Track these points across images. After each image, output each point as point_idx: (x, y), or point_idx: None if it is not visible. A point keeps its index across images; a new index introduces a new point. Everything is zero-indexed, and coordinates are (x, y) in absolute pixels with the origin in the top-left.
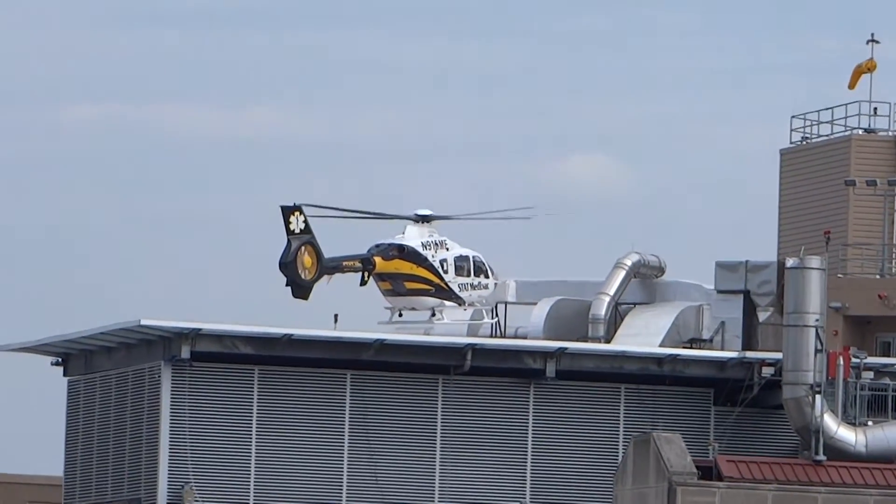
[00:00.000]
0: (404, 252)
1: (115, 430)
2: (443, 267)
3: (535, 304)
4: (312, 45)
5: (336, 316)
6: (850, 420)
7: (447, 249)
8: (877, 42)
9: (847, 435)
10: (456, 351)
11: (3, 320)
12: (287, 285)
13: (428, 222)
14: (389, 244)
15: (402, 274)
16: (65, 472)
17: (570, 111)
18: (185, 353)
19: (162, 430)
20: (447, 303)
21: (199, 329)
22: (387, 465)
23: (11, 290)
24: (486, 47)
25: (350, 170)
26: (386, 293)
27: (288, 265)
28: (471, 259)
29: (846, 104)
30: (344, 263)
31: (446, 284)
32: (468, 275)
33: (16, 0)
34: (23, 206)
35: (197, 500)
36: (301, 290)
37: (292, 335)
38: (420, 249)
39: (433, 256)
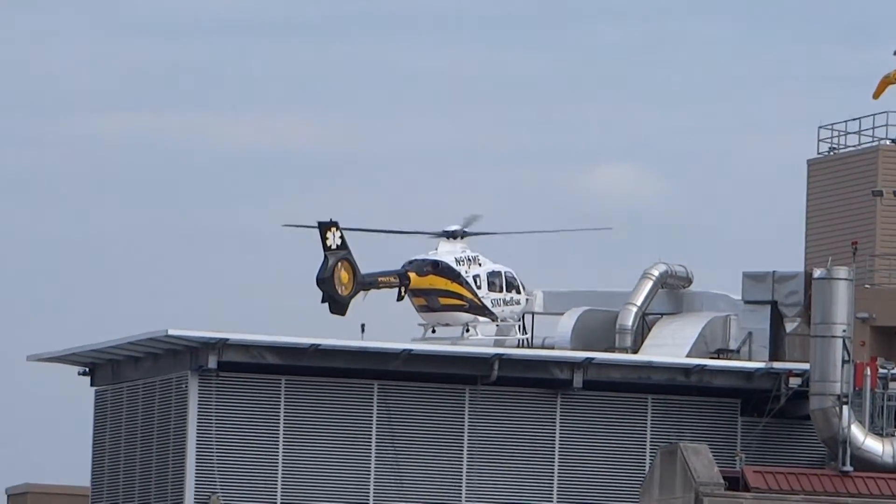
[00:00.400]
0: (439, 268)
1: (142, 440)
2: (476, 282)
3: (563, 314)
4: (339, 55)
5: (363, 326)
6: (877, 431)
7: (480, 265)
8: None
9: (874, 445)
10: (483, 361)
11: (30, 330)
12: (324, 301)
13: (461, 238)
14: (424, 260)
15: (436, 290)
16: (92, 482)
17: (598, 121)
18: (212, 363)
19: (189, 440)
20: (480, 318)
21: (226, 339)
22: (414, 475)
23: (39, 300)
24: (516, 57)
25: (378, 181)
26: (420, 309)
27: (325, 281)
28: (503, 275)
29: (874, 115)
30: (380, 279)
31: (479, 300)
32: (500, 290)
33: (47, 11)
34: (51, 217)
35: None
36: (338, 305)
37: (319, 345)
38: (454, 265)
39: (467, 272)
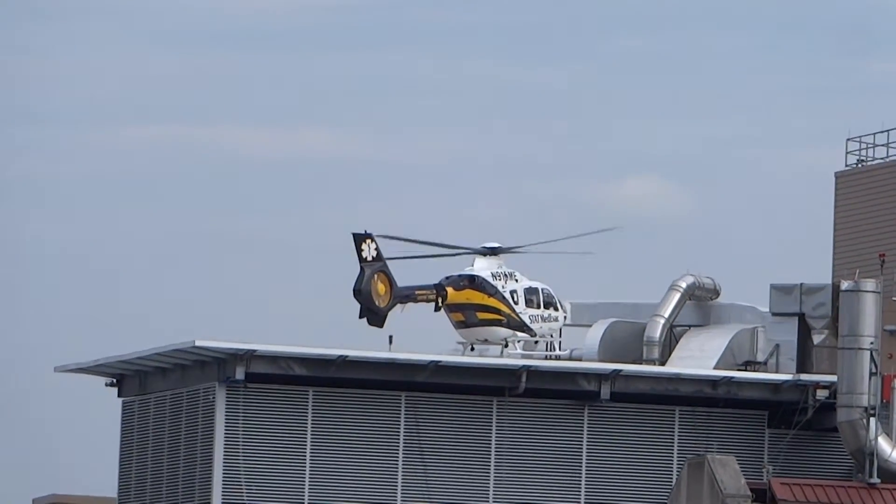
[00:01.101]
0: (475, 283)
1: (169, 451)
2: (513, 298)
3: (590, 325)
4: (361, 66)
5: (391, 337)
6: None
7: (516, 281)
8: None
9: None
10: (511, 373)
11: (58, 341)
12: (361, 314)
13: (496, 255)
14: (460, 275)
15: (473, 304)
16: (119, 493)
17: (625, 133)
18: (239, 374)
19: (216, 451)
20: (519, 334)
21: (254, 350)
22: (441, 486)
23: (67, 311)
24: (541, 69)
25: (403, 191)
26: (458, 325)
27: (362, 292)
28: (540, 291)
29: None
30: (417, 292)
31: (517, 315)
32: (538, 307)
33: (75, 22)
34: (79, 227)
35: None
36: (375, 317)
37: (347, 356)
38: (490, 280)
39: (503, 287)
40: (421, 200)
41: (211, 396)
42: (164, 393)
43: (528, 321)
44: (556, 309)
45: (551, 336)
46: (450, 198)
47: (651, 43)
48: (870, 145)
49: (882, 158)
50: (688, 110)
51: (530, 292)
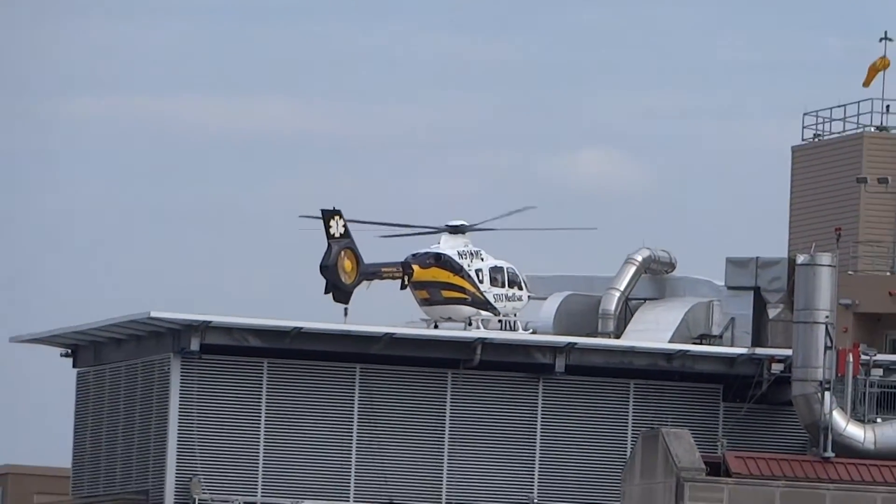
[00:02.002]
0: (441, 260)
1: (124, 422)
2: (478, 277)
3: (545, 298)
4: (321, 37)
5: (346, 309)
6: (859, 417)
7: (482, 260)
8: (890, 40)
9: (856, 432)
10: (465, 345)
11: (12, 312)
12: (327, 290)
13: (462, 233)
14: (426, 252)
15: (439, 282)
16: (73, 464)
17: (580, 105)
18: (194, 345)
19: (171, 422)
20: (483, 313)
21: (209, 321)
22: (395, 458)
23: (21, 281)
24: (494, 42)
25: (356, 164)
26: (422, 302)
27: (329, 269)
28: (505, 270)
29: (858, 102)
30: (383, 269)
31: (482, 294)
32: (503, 286)
33: None
34: (32, 198)
35: (205, 493)
36: (341, 294)
37: (301, 328)
38: (456, 258)
39: (469, 266)
40: (374, 173)
41: (166, 367)
42: (119, 364)
43: (492, 300)
44: (520, 288)
45: (515, 315)
46: (403, 170)
47: (607, 16)
48: (826, 119)
49: (838, 133)
50: (644, 83)
51: (495, 271)
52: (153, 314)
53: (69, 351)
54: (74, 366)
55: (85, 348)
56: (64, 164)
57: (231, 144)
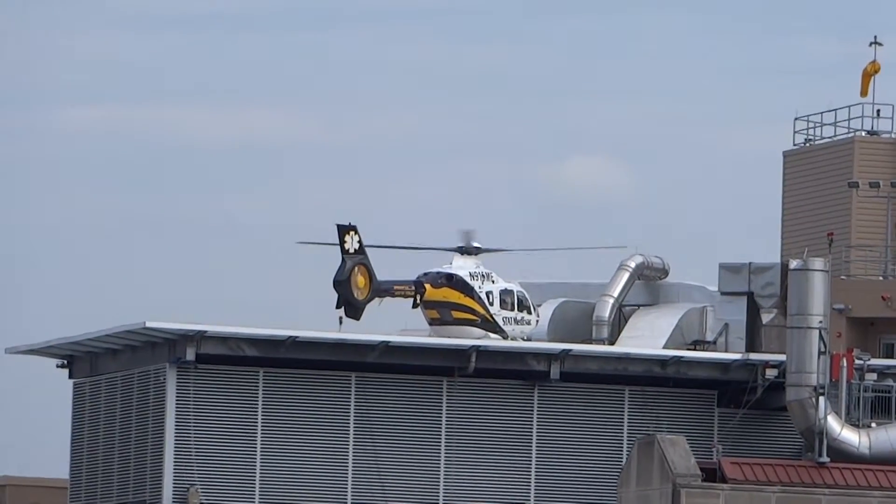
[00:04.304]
0: (453, 281)
1: (121, 432)
2: (489, 299)
3: (539, 305)
4: (308, 45)
5: (341, 318)
6: (853, 422)
7: (493, 282)
8: (880, 44)
9: (850, 437)
10: (460, 353)
11: (9, 323)
12: (339, 304)
13: (475, 254)
14: (438, 272)
15: (450, 303)
16: (70, 474)
17: (573, 113)
18: (189, 355)
19: (167, 432)
20: (492, 335)
21: (204, 331)
22: (391, 466)
23: (17, 292)
24: (486, 49)
25: (344, 173)
26: (432, 322)
27: (342, 284)
28: (515, 293)
29: (849, 106)
30: (396, 287)
31: (491, 317)
32: (512, 309)
33: (21, 2)
34: (28, 208)
35: (202, 502)
36: (354, 310)
37: (297, 337)
38: (468, 279)
39: (480, 287)
40: (363, 182)
41: (161, 377)
42: (115, 374)
43: (501, 322)
44: (529, 312)
45: (523, 338)
46: (392, 179)
47: (596, 23)
48: (817, 124)
49: (830, 137)
50: (636, 89)
51: (505, 293)
52: (149, 324)
53: (65, 362)
54: (70, 377)
55: (81, 359)
56: (60, 175)
57: (221, 153)
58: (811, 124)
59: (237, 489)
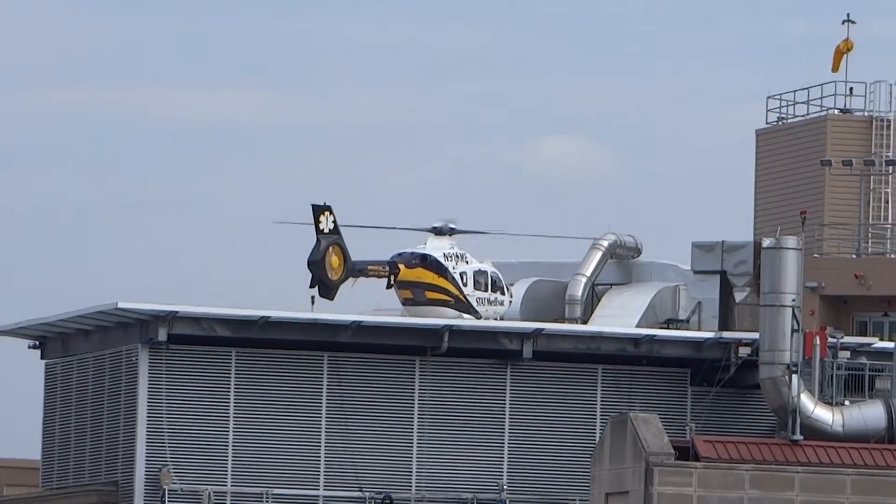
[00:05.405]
0: (427, 261)
1: (93, 413)
2: (462, 279)
3: (512, 285)
4: (285, 28)
5: (313, 298)
6: (826, 400)
7: (467, 263)
8: (853, 22)
9: (824, 414)
10: (433, 332)
11: None
12: (313, 284)
13: (449, 235)
14: (413, 252)
15: (423, 283)
16: (42, 455)
17: (542, 94)
18: (162, 335)
19: (139, 412)
20: (465, 315)
21: (176, 311)
22: (364, 446)
23: None
24: (460, 30)
25: (318, 154)
26: (405, 302)
27: (316, 263)
28: (489, 274)
29: (822, 84)
30: (370, 268)
31: (465, 297)
32: (485, 289)
33: None
34: None
35: (174, 482)
36: (327, 289)
37: (269, 317)
38: (442, 260)
39: (454, 268)
40: (336, 163)
41: (134, 358)
42: (87, 355)
43: (474, 303)
44: (502, 293)
45: (497, 319)
46: (368, 161)
47: (570, 3)
48: (790, 103)
49: (802, 116)
50: (608, 69)
51: (479, 274)
52: (120, 305)
53: (37, 343)
54: (42, 357)
55: (53, 340)
56: (30, 157)
57: (197, 136)
58: (784, 102)
59: (209, 470)
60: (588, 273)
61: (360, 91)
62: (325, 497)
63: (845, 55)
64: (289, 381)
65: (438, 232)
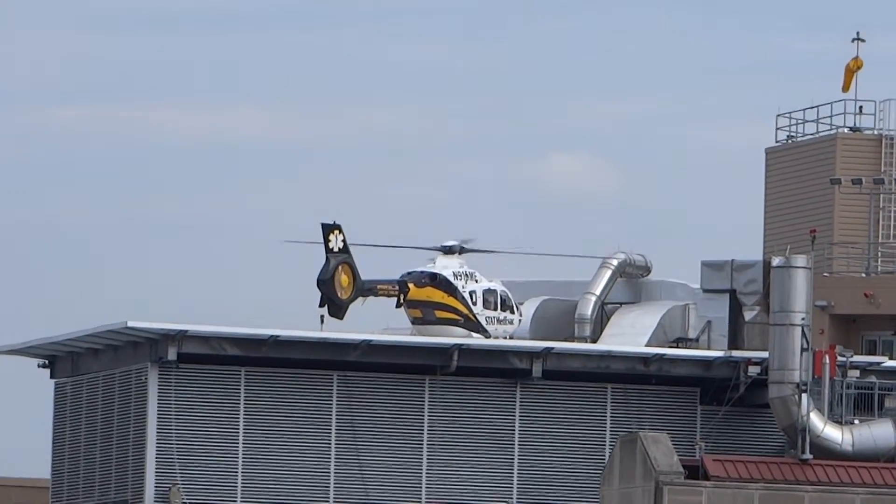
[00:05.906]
0: (437, 280)
1: (102, 432)
2: (472, 298)
3: (522, 304)
4: (293, 45)
5: (322, 317)
6: (836, 419)
7: (476, 282)
8: (862, 40)
9: (833, 433)
10: (442, 351)
11: None
12: (322, 303)
13: (458, 254)
14: (422, 272)
15: (433, 302)
16: (52, 475)
17: (551, 111)
18: (171, 354)
19: (149, 431)
20: (474, 335)
21: (186, 331)
22: (374, 465)
23: None
24: (469, 47)
25: (334, 171)
26: (415, 321)
27: (326, 283)
28: (498, 293)
29: (831, 103)
30: (379, 287)
31: (474, 316)
32: (495, 308)
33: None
34: (8, 208)
35: (184, 501)
36: (337, 308)
37: (278, 336)
38: (452, 279)
39: (463, 287)
40: (343, 181)
41: (143, 377)
42: (97, 374)
43: (484, 322)
44: (511, 311)
45: (505, 338)
46: (376, 179)
47: (576, 22)
48: (799, 121)
49: (812, 134)
50: (618, 88)
51: (489, 293)
52: (130, 324)
53: (46, 362)
54: (52, 377)
55: (62, 359)
56: (41, 175)
57: (204, 155)
58: (793, 121)
59: (219, 488)
60: (597, 292)
61: (368, 108)
62: None
63: (855, 74)
64: (298, 400)
65: (448, 251)
